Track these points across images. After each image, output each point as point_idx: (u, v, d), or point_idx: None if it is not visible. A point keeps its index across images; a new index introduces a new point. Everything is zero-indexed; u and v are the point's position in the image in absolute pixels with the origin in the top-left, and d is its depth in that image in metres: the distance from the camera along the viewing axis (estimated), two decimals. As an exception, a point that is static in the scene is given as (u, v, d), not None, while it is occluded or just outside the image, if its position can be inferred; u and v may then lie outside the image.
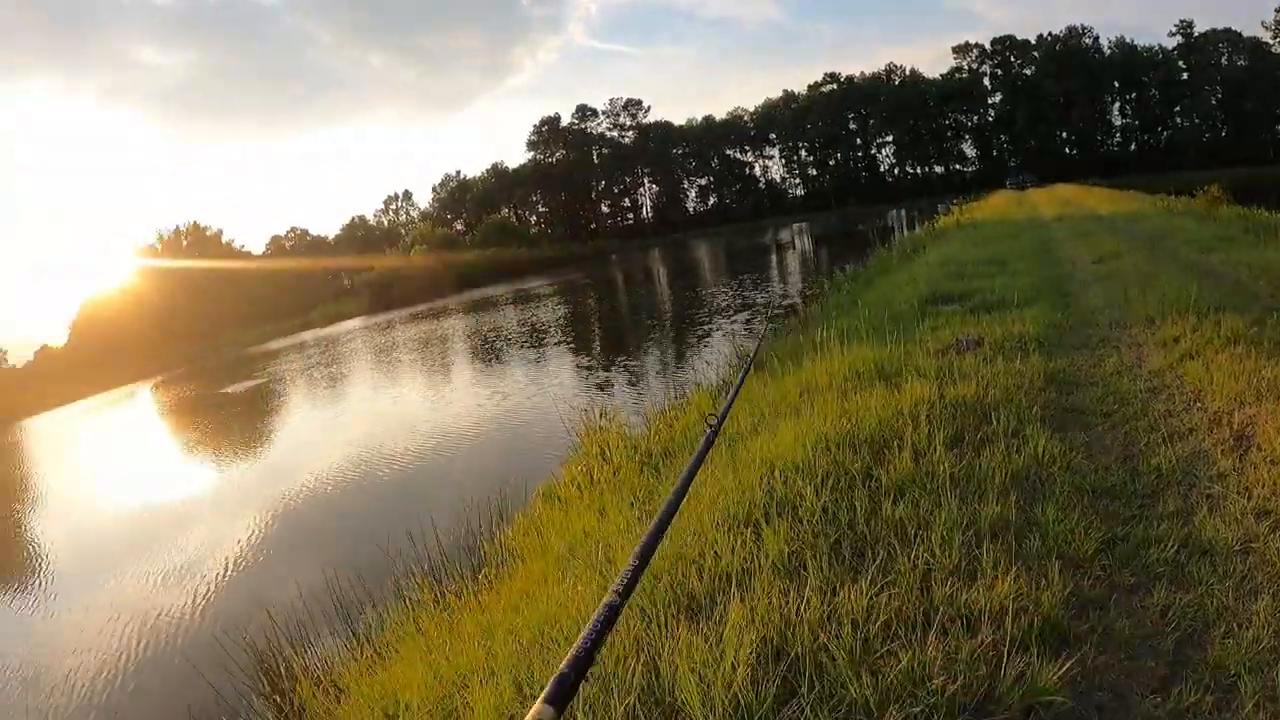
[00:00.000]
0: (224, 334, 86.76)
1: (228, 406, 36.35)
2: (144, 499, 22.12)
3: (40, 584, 16.49)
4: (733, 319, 25.37)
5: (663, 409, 11.86)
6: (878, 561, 4.39)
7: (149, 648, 11.29)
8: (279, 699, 7.40)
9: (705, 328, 25.05)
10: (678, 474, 7.40)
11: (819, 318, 17.02)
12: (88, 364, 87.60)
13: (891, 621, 3.82)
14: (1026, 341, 9.33)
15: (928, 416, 6.63)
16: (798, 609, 3.99)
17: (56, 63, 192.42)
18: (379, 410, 25.03)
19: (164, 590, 13.37)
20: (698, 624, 4.15)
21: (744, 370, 6.49)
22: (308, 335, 69.83)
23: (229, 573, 13.40)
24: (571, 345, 29.83)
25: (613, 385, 19.92)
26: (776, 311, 25.07)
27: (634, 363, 22.88)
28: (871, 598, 3.99)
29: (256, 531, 15.27)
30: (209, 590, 12.76)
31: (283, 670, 7.80)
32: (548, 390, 20.91)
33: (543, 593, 5.78)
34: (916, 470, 5.64)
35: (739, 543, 4.91)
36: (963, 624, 3.75)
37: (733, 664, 3.60)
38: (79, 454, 38.34)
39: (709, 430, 4.28)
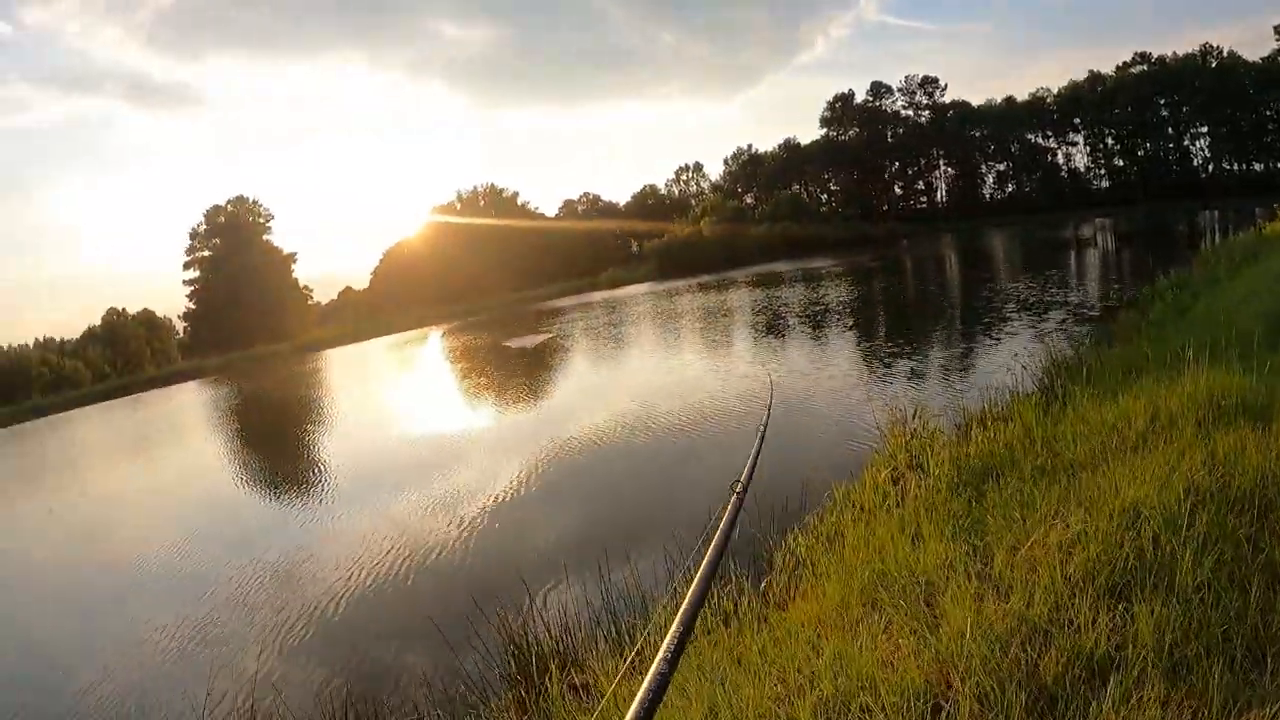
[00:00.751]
0: (514, 289, 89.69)
1: (512, 356, 37.64)
2: (425, 432, 23.37)
3: (323, 497, 17.76)
4: (1043, 317, 23.11)
5: (979, 414, 10.46)
6: None
7: (400, 584, 11.40)
8: (523, 687, 6.88)
9: (1010, 325, 23.07)
10: (1000, 496, 6.43)
11: (1142, 328, 15.34)
12: (385, 306, 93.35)
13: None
14: None
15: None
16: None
17: (363, 38, 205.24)
18: (662, 376, 24.76)
19: (428, 525, 13.65)
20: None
21: (759, 437, 5.29)
22: (595, 296, 71.23)
23: (493, 520, 13.44)
24: (864, 330, 28.45)
25: (914, 379, 18.40)
26: (1090, 313, 22.84)
27: (936, 355, 21.29)
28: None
29: (526, 483, 15.25)
30: (469, 536, 12.79)
31: (532, 654, 7.28)
32: (845, 376, 19.75)
33: (845, 629, 4.89)
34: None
35: (1103, 617, 3.90)
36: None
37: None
38: (374, 384, 40.69)
39: (735, 496, 3.79)
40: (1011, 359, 14.98)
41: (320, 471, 20.95)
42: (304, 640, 10.16)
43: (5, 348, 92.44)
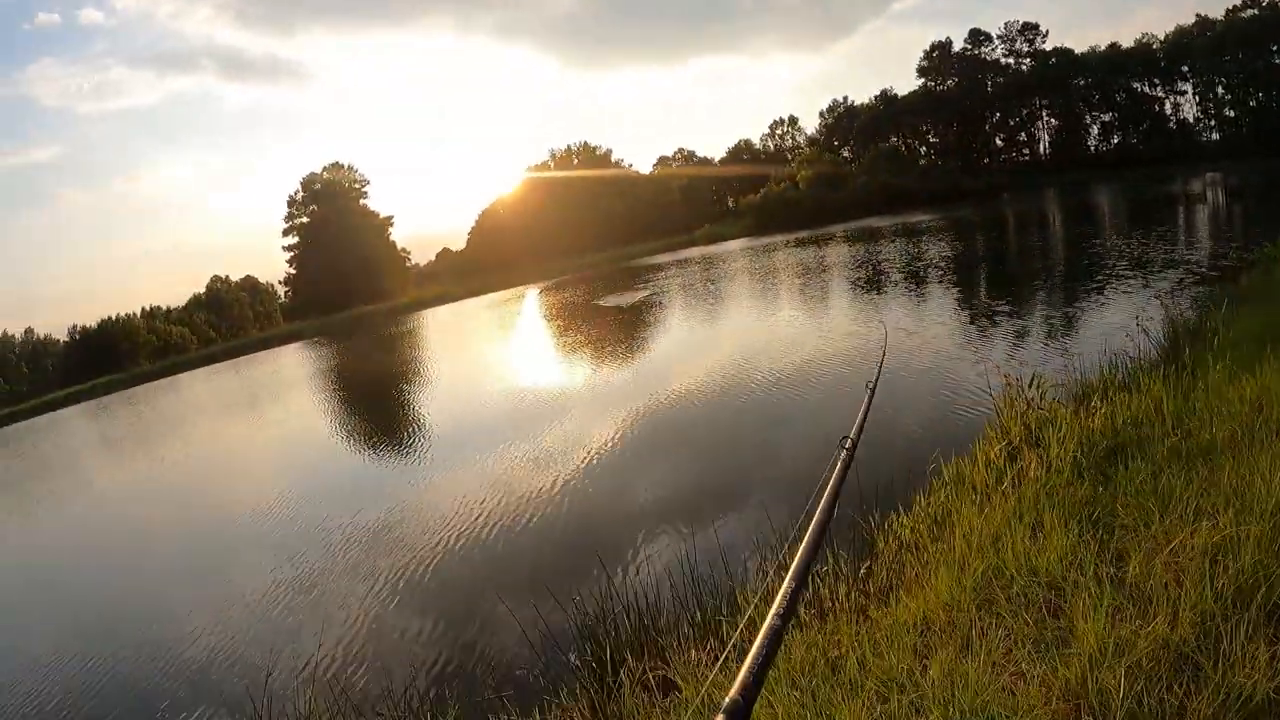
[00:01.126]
0: (609, 247, 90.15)
1: (608, 314, 37.67)
2: (514, 392, 23.46)
3: (413, 459, 18.23)
4: (1157, 276, 21.79)
5: (1098, 383, 9.54)
6: None
7: (485, 553, 11.28)
8: (598, 678, 6.37)
9: (1123, 284, 21.53)
10: (1130, 482, 5.76)
11: (1270, 292, 14.11)
12: (482, 266, 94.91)
13: None
14: None
15: None
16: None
17: (450, 3, 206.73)
18: (760, 336, 24.16)
19: (516, 491, 13.54)
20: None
21: (869, 392, 4.83)
22: (691, 253, 71.28)
23: (580, 487, 13.18)
24: (968, 288, 27.33)
25: (1024, 341, 17.29)
26: (1208, 273, 21.09)
27: (1046, 315, 20.05)
28: None
29: (615, 449, 15.00)
30: (557, 504, 12.58)
31: (608, 642, 6.76)
32: (952, 337, 18.79)
33: (957, 637, 4.30)
34: None
35: (1261, 650, 3.31)
36: None
37: None
38: (467, 344, 41.99)
39: (845, 453, 3.64)
40: (1130, 321, 13.91)
41: (409, 432, 21.30)
42: (383, 610, 10.07)
43: (114, 318, 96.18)
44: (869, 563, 6.61)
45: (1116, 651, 3.46)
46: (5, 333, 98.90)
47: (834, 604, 5.76)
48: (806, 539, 2.75)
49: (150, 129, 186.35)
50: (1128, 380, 9.25)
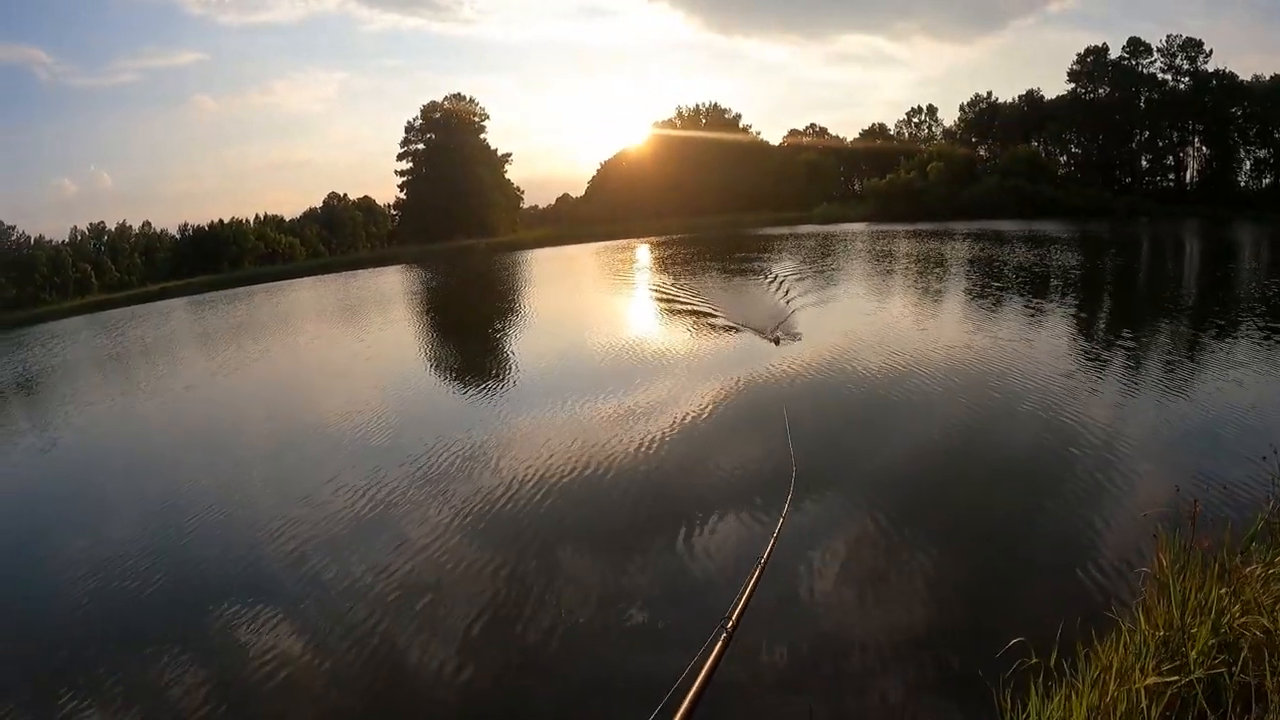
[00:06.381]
0: (726, 212, 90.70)
1: (713, 275, 38.20)
2: (611, 339, 23.90)
3: (510, 389, 19.21)
4: None
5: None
6: None
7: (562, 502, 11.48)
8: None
9: None
10: None
11: None
12: (597, 215, 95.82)
13: None
14: None
15: None
16: None
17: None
18: (871, 330, 22.72)
19: (597, 435, 13.93)
20: None
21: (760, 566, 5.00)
22: (804, 229, 70.44)
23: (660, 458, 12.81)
24: (1107, 322, 23.82)
25: (1185, 433, 12.61)
26: None
27: (1218, 393, 14.65)
28: None
29: (705, 419, 14.60)
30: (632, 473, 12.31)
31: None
32: (1064, 405, 14.19)
33: None
34: None
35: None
36: None
37: None
38: (573, 287, 44.72)
39: (723, 633, 3.54)
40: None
41: (513, 369, 21.98)
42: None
43: (224, 220, 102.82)
44: None
45: None
46: (124, 223, 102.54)
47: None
48: None
49: (288, 45, 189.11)
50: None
